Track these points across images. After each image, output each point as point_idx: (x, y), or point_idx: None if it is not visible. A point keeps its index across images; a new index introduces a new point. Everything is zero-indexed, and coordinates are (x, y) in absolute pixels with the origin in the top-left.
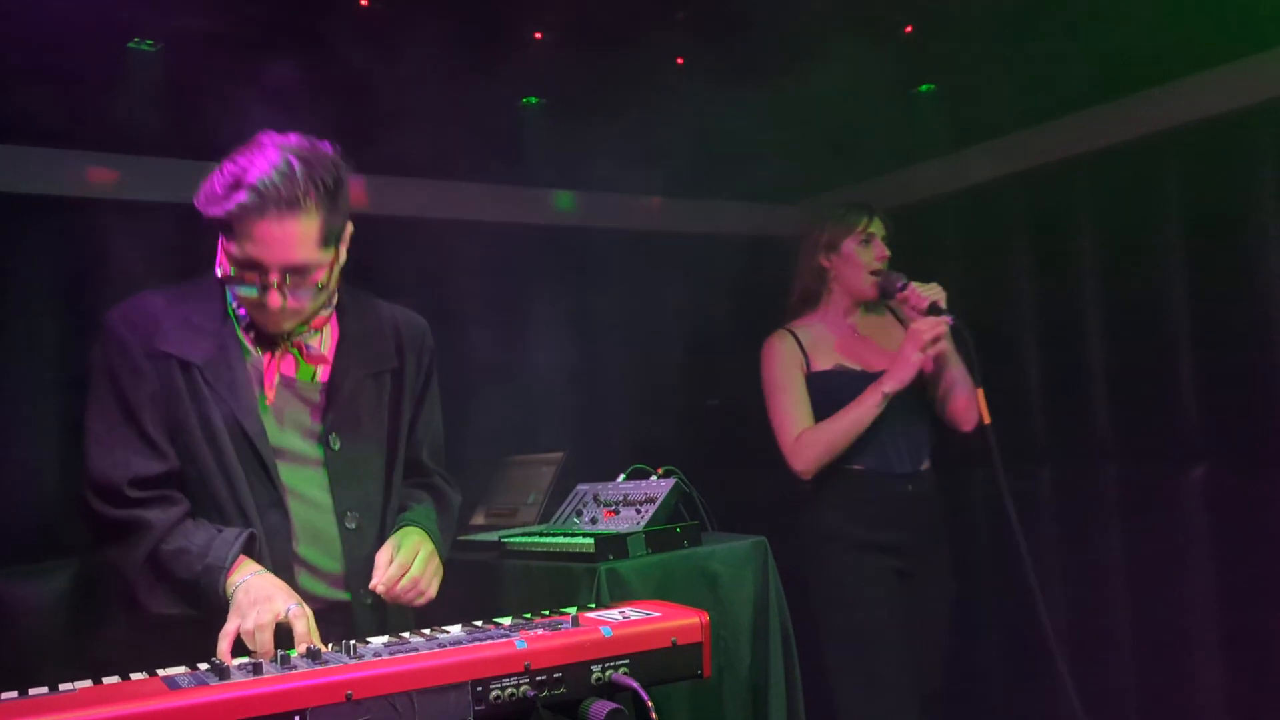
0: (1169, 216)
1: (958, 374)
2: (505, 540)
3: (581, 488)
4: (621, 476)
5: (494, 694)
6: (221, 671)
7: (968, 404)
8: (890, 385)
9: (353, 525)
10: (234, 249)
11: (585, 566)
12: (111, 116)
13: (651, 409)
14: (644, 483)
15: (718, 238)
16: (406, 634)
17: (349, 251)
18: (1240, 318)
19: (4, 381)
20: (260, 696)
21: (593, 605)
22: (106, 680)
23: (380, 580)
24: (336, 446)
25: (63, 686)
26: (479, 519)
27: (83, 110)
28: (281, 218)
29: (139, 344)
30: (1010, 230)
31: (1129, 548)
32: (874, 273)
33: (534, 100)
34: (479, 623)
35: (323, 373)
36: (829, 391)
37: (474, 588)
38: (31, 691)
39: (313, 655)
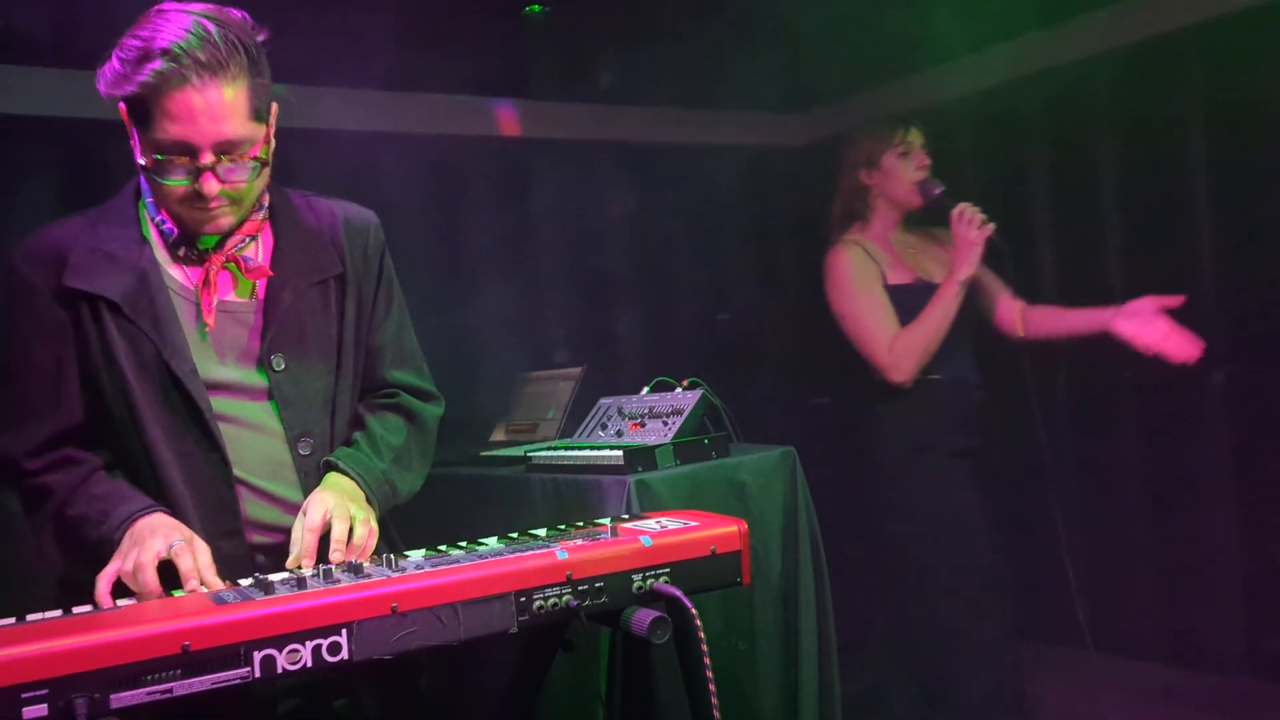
0: (1191, 115)
1: (996, 283)
2: (531, 454)
3: (605, 401)
4: (645, 389)
5: (537, 604)
6: (266, 586)
7: (1002, 320)
8: (963, 271)
9: (306, 451)
10: (154, 132)
11: (614, 479)
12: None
13: (662, 325)
14: (669, 395)
15: (724, 149)
16: (444, 547)
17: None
18: (1267, 215)
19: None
20: (307, 610)
21: (626, 516)
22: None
23: (296, 559)
24: (280, 368)
25: (117, 602)
26: (499, 435)
27: None
28: (205, 85)
29: (45, 283)
30: (1028, 132)
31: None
32: (916, 184)
33: (537, 9)
34: (514, 535)
35: (259, 288)
36: (908, 308)
37: (500, 502)
38: (75, 610)
39: (354, 569)
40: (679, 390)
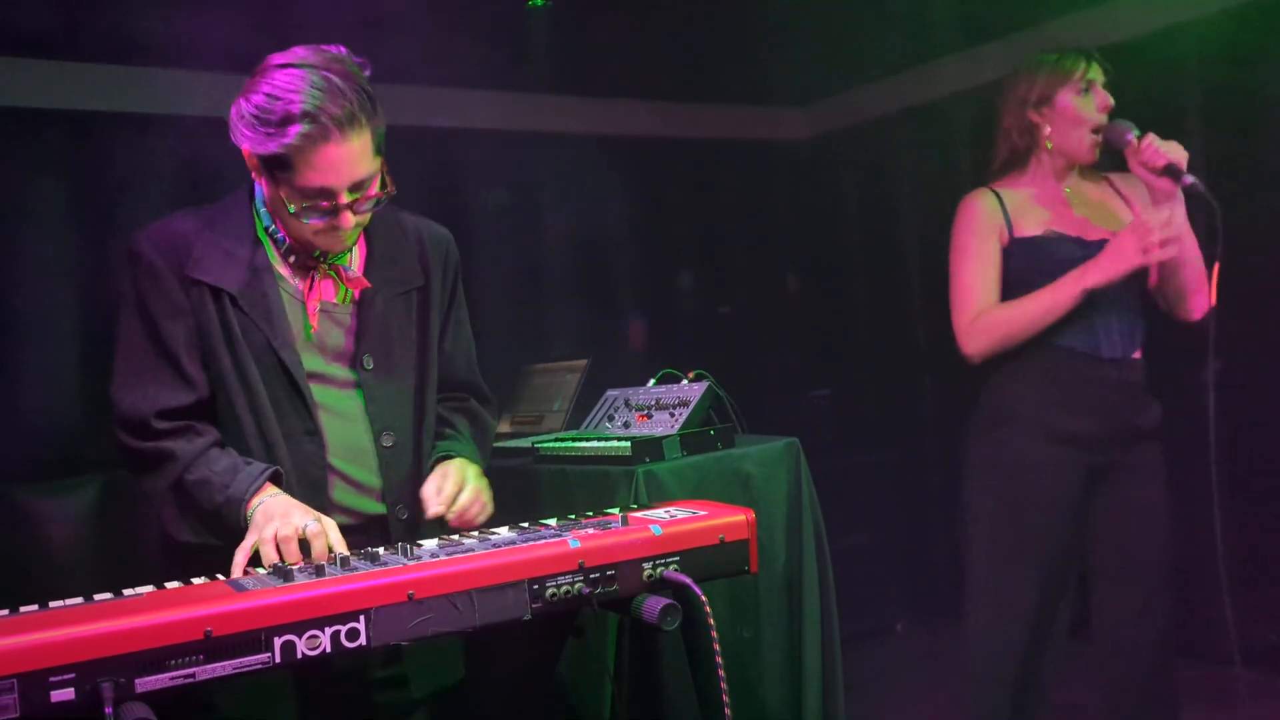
0: (1189, 108)
1: (1190, 252)
2: (539, 445)
3: (611, 393)
4: (652, 381)
5: (550, 592)
6: (285, 574)
7: (1198, 286)
8: (1094, 279)
9: (389, 443)
10: (298, 182)
11: (622, 469)
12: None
13: (663, 317)
14: (675, 386)
15: (725, 143)
16: (457, 536)
17: None
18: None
19: (31, 300)
20: (326, 597)
21: (635, 506)
22: (169, 585)
23: (437, 506)
24: (370, 367)
25: (126, 592)
26: (505, 426)
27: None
28: (345, 139)
29: (170, 270)
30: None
31: None
32: (1096, 129)
33: (540, 2)
34: (525, 524)
35: (355, 293)
36: (1037, 261)
37: (508, 493)
38: (97, 597)
39: (370, 557)
40: (685, 382)
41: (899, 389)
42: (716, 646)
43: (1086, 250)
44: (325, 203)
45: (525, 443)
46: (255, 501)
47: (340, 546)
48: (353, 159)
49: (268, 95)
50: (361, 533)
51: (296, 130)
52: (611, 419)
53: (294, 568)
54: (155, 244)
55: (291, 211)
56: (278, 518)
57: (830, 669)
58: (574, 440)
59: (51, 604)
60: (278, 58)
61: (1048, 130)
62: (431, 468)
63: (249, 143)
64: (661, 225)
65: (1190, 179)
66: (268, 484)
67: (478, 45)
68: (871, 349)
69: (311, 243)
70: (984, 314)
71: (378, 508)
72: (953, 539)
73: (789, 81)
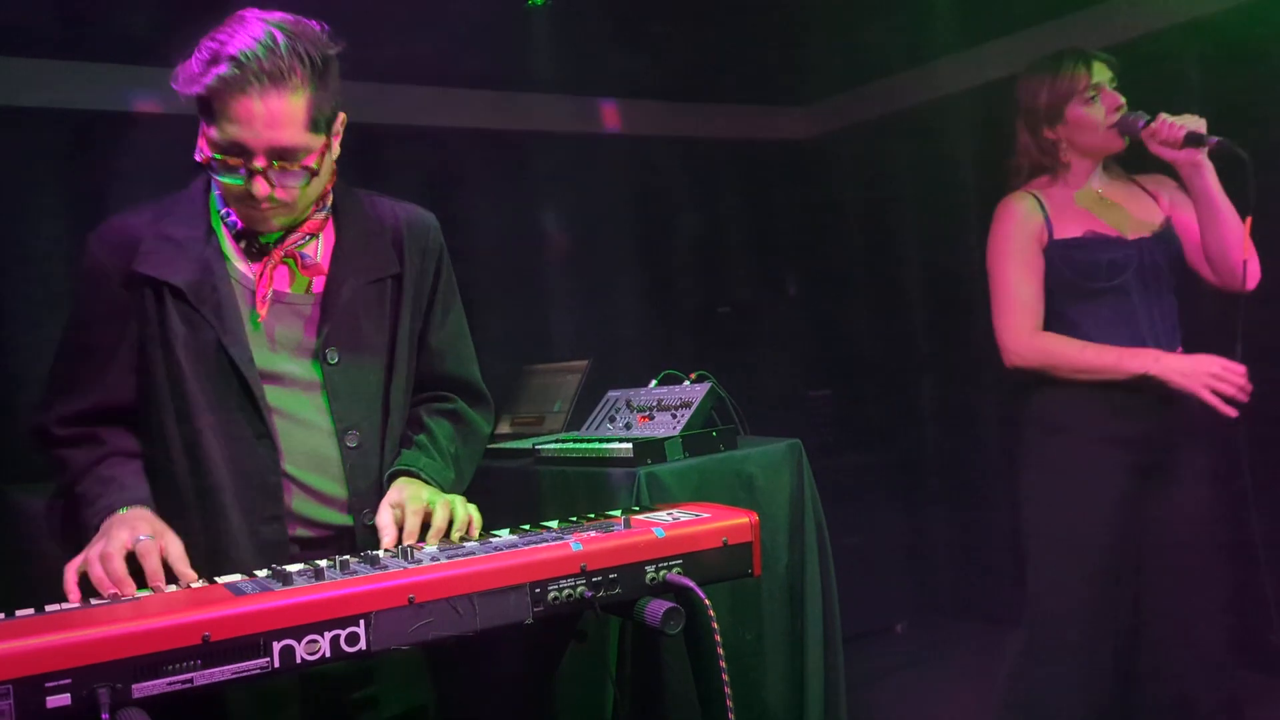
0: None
1: (1226, 212)
2: (540, 447)
3: (613, 394)
4: (653, 382)
5: (552, 595)
6: (284, 577)
7: (1246, 253)
8: (1162, 372)
9: (354, 444)
10: (214, 132)
11: (623, 471)
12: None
13: (662, 317)
14: (677, 388)
15: (726, 143)
16: (459, 538)
17: (346, 156)
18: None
19: (31, 301)
20: (326, 601)
21: (637, 508)
22: (169, 588)
23: (387, 543)
24: (334, 361)
25: (123, 596)
26: (504, 428)
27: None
28: (265, 93)
29: (116, 268)
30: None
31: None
32: (1112, 126)
33: (540, 2)
34: (526, 526)
35: (317, 283)
36: (1079, 263)
37: (509, 495)
38: (94, 601)
39: (371, 560)
40: (687, 383)
41: (900, 390)
42: (720, 650)
43: (1127, 250)
44: (235, 160)
45: (526, 444)
46: (109, 519)
47: (181, 564)
48: (273, 119)
49: (212, 36)
50: (328, 546)
51: (218, 72)
52: (613, 420)
53: (292, 570)
54: (103, 242)
55: (199, 160)
56: (110, 533)
57: (832, 670)
58: (575, 442)
59: (47, 608)
60: (255, 12)
61: (1065, 145)
62: (388, 481)
63: (177, 83)
64: (662, 225)
65: (1215, 139)
66: (139, 506)
67: (477, 45)
68: (872, 350)
69: (237, 213)
70: (1047, 341)
71: (343, 519)
72: (953, 539)
73: (789, 81)
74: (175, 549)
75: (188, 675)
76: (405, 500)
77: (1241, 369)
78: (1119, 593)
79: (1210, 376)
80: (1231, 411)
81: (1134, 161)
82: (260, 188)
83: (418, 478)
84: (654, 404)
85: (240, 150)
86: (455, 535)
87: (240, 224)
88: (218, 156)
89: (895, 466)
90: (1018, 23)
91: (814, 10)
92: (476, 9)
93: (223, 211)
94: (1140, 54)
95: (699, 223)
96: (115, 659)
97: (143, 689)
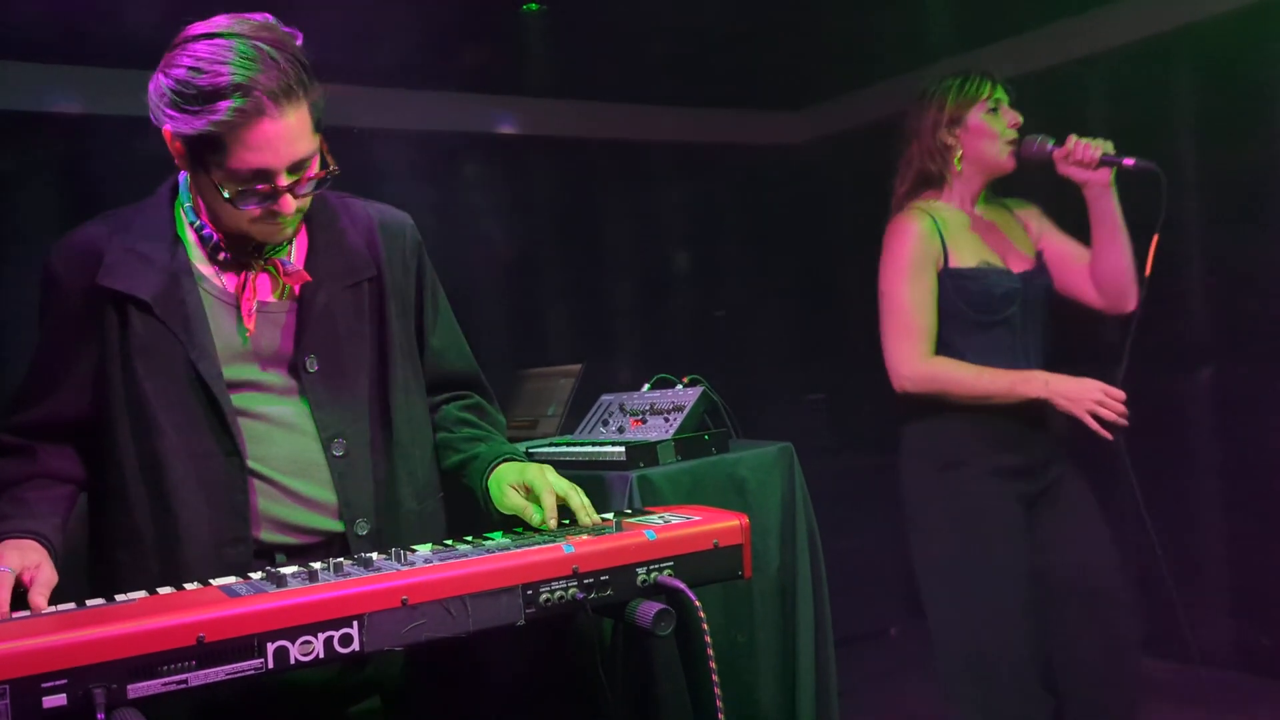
0: (1182, 119)
1: (1124, 234)
2: (532, 450)
3: (606, 398)
4: (646, 386)
5: (544, 597)
6: (278, 579)
7: (1133, 278)
8: (1050, 396)
9: (340, 452)
10: (230, 162)
11: (616, 474)
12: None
13: (657, 321)
14: (670, 391)
15: (721, 147)
16: (450, 540)
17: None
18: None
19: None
20: (319, 602)
21: (629, 511)
22: (161, 591)
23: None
24: (313, 370)
25: (119, 597)
26: None
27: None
28: (281, 113)
29: (76, 282)
30: (1023, 132)
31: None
32: (1010, 141)
33: (535, 7)
34: (519, 529)
35: (295, 289)
36: (972, 294)
37: None
38: (89, 602)
39: (364, 563)
40: (679, 387)
41: (893, 394)
42: (710, 651)
43: (1014, 283)
44: (263, 185)
45: (519, 447)
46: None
47: (34, 594)
48: (291, 136)
49: (190, 69)
50: (319, 552)
51: (227, 105)
52: (606, 423)
53: (286, 572)
54: (63, 257)
55: (227, 198)
56: None
57: (824, 673)
58: (568, 445)
59: (44, 609)
60: (198, 27)
61: (960, 152)
62: (488, 471)
63: (172, 123)
64: (657, 229)
65: (1132, 160)
66: (30, 538)
67: (473, 50)
68: (866, 353)
69: (248, 234)
70: (939, 366)
71: (335, 525)
72: None
73: (785, 85)
74: (44, 575)
75: (183, 676)
76: (530, 482)
77: (1121, 394)
78: (1030, 623)
79: (1093, 402)
80: (1109, 435)
81: (999, 186)
82: (287, 205)
83: (518, 460)
84: (647, 408)
85: (264, 176)
86: (588, 519)
87: (216, 236)
88: (240, 189)
89: (890, 470)
90: (1012, 28)
91: (809, 15)
92: (472, 13)
93: (196, 222)
94: (1140, 56)
95: (694, 226)
96: (111, 660)
97: (138, 689)
